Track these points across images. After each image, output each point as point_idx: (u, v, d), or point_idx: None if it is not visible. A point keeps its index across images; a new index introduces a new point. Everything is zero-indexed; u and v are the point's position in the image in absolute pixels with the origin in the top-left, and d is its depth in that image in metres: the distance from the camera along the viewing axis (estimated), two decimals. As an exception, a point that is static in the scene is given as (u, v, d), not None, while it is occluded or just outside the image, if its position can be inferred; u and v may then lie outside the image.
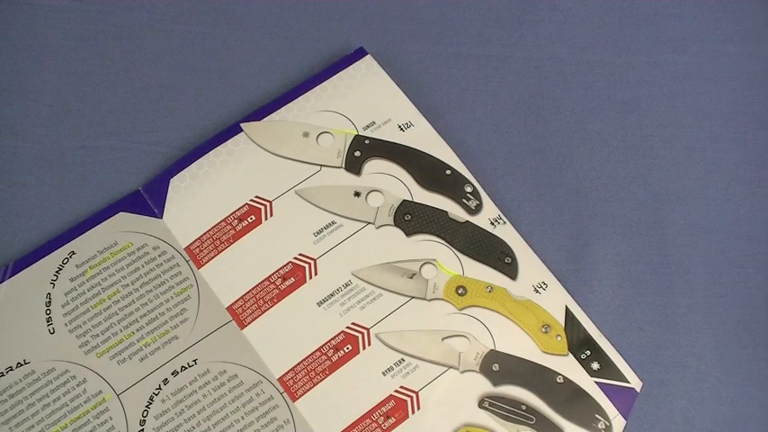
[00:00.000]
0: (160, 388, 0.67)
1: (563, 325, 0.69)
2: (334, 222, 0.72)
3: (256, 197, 0.72)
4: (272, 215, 0.72)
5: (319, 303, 0.70)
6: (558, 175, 0.75)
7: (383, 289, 0.70)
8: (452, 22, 0.79)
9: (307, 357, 0.68)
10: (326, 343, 0.69)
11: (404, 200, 0.72)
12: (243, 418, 0.67)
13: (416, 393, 0.68)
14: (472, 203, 0.72)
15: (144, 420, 0.66)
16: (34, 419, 0.66)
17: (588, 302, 0.71)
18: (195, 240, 0.71)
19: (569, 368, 0.68)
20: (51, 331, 0.68)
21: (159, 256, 0.70)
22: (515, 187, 0.74)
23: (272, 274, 0.70)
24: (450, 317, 0.70)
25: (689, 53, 0.79)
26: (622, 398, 0.68)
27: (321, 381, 0.68)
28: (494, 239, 0.71)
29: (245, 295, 0.70)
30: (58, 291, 0.69)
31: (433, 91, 0.77)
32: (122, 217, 0.71)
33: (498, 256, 0.71)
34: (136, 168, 0.74)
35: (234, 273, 0.70)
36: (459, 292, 0.70)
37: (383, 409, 0.67)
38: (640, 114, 0.77)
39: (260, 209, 0.72)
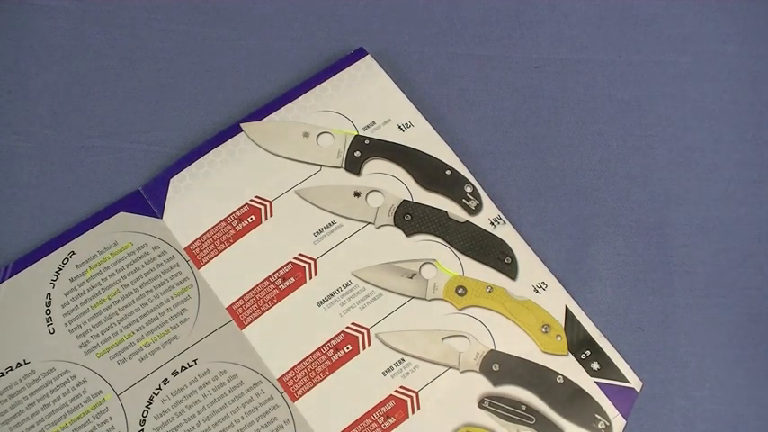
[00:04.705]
0: (160, 388, 0.67)
1: (563, 325, 0.69)
2: (334, 222, 0.72)
3: (256, 197, 0.72)
4: (272, 215, 0.72)
5: (319, 303, 0.70)
6: (558, 175, 0.75)
7: (383, 289, 0.70)
8: (452, 22, 0.79)
9: (307, 357, 0.68)
10: (326, 343, 0.69)
11: (404, 200, 0.72)
12: (243, 418, 0.67)
13: (416, 393, 0.68)
14: (472, 203, 0.72)
15: (144, 420, 0.66)
16: (34, 419, 0.66)
17: (588, 302, 0.71)
18: (195, 240, 0.71)
19: (569, 368, 0.68)
20: (51, 331, 0.68)
21: (159, 256, 0.70)
22: (515, 187, 0.74)
23: (272, 274, 0.70)
24: (450, 317, 0.70)
25: (689, 53, 0.79)
26: (622, 398, 0.68)
27: (321, 381, 0.68)
28: (494, 239, 0.71)
29: (245, 295, 0.70)
30: (58, 291, 0.69)
31: (433, 91, 0.77)
32: (122, 217, 0.71)
33: (498, 256, 0.71)
34: (136, 168, 0.74)
35: (234, 273, 0.70)
36: (459, 292, 0.70)
37: (383, 409, 0.67)
38: (640, 114, 0.77)
39: (260, 209, 0.72)
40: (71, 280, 0.70)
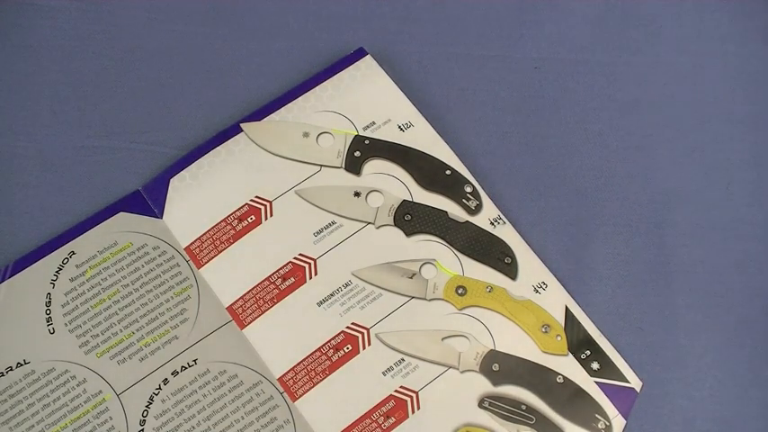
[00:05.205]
0: (160, 388, 0.67)
1: (563, 325, 0.69)
2: (334, 222, 0.72)
3: (256, 197, 0.72)
4: (272, 215, 0.72)
5: (319, 303, 0.70)
6: (558, 175, 0.75)
7: (383, 289, 0.70)
8: (452, 22, 0.79)
9: (307, 357, 0.68)
10: (326, 343, 0.69)
11: (404, 200, 0.72)
12: (243, 418, 0.67)
13: (416, 393, 0.68)
14: (472, 203, 0.72)
15: (144, 420, 0.66)
16: (34, 419, 0.66)
17: (588, 302, 0.71)
18: (195, 240, 0.71)
19: (569, 368, 0.68)
20: (51, 331, 0.68)
21: (159, 256, 0.70)
22: (515, 187, 0.74)
23: (272, 274, 0.70)
24: (450, 317, 0.70)
25: (689, 53, 0.79)
26: (622, 398, 0.68)
27: (321, 381, 0.68)
28: (494, 239, 0.71)
29: (245, 295, 0.70)
30: (58, 291, 0.69)
31: (433, 91, 0.77)
32: (122, 217, 0.71)
33: (498, 256, 0.71)
34: (136, 168, 0.74)
35: (234, 273, 0.70)
36: (459, 292, 0.70)
37: (383, 408, 0.67)
38: (640, 114, 0.77)
39: (260, 209, 0.72)
40: (71, 280, 0.70)
